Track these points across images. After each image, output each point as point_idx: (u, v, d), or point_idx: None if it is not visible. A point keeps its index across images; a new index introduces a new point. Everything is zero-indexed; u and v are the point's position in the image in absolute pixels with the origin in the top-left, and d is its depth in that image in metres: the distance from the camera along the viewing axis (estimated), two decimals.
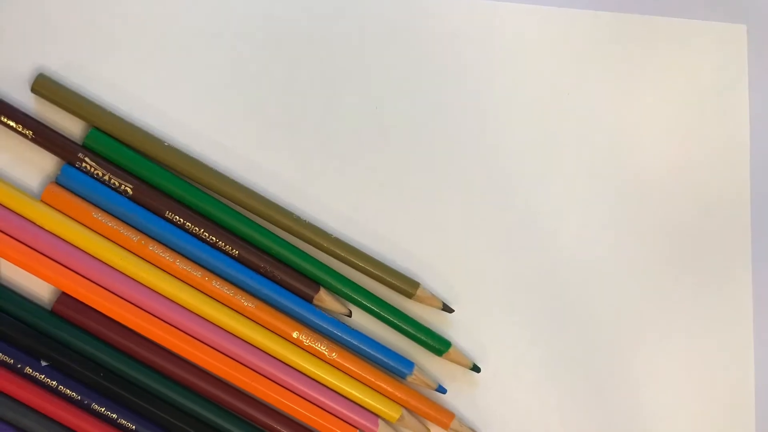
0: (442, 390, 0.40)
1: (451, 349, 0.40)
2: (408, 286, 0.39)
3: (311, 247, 0.39)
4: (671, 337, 0.42)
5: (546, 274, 0.41)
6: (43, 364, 0.37)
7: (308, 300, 0.39)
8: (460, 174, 0.41)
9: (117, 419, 0.38)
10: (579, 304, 0.42)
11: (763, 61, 0.42)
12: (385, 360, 0.39)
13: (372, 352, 0.39)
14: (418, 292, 0.39)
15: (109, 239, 0.38)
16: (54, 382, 0.37)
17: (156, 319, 0.38)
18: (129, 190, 0.38)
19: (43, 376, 0.37)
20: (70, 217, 0.38)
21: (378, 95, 0.40)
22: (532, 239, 0.41)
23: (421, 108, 0.40)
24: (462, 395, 0.41)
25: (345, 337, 0.39)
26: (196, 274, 0.38)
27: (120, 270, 0.38)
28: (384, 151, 0.40)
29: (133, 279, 0.38)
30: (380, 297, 0.40)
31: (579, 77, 0.42)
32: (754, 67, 0.42)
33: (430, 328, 0.40)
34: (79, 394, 0.38)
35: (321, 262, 0.39)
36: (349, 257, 0.39)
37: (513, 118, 0.41)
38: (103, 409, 0.38)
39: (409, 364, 0.40)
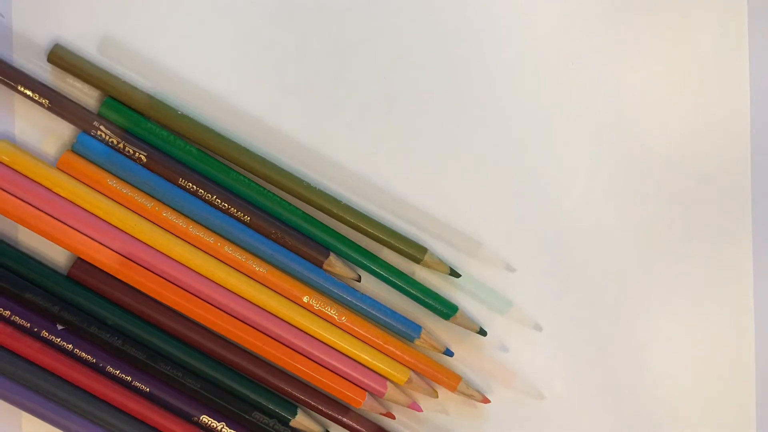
0: (449, 353, 0.41)
1: (458, 313, 0.41)
2: (416, 251, 0.40)
3: (321, 213, 0.40)
4: (674, 301, 0.43)
5: (551, 240, 0.42)
6: (59, 327, 0.38)
7: (318, 265, 0.40)
8: (468, 141, 0.41)
9: (131, 381, 0.39)
10: (584, 269, 0.42)
11: (763, 30, 0.43)
12: (394, 324, 0.40)
13: (381, 316, 0.40)
14: (426, 257, 0.40)
15: (123, 206, 0.39)
16: (70, 346, 0.38)
17: (169, 283, 0.39)
18: (143, 157, 0.39)
19: (59, 340, 0.38)
20: (85, 184, 0.38)
21: (388, 61, 0.41)
22: (538, 205, 0.42)
23: (430, 75, 0.41)
24: (469, 358, 0.42)
25: (354, 302, 0.40)
26: (209, 239, 0.39)
27: (134, 236, 0.38)
28: (392, 119, 0.41)
29: (147, 244, 0.39)
30: (389, 262, 0.40)
31: (582, 47, 0.42)
32: (754, 36, 0.43)
33: (438, 292, 0.41)
34: (94, 357, 0.38)
35: (331, 228, 0.40)
36: (358, 223, 0.40)
37: (518, 87, 0.42)
38: (117, 372, 0.38)
39: (417, 328, 0.40)
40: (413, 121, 0.41)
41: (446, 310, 0.40)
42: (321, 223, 0.40)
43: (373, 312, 0.40)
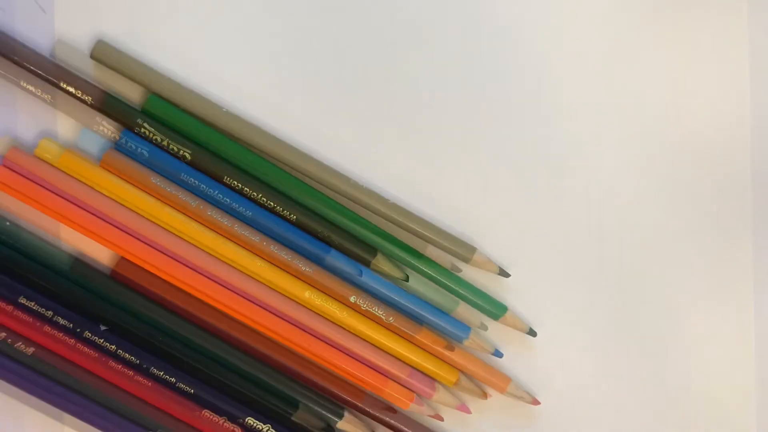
0: (498, 354, 0.40)
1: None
2: (465, 250, 0.40)
3: (368, 211, 0.39)
4: (673, 302, 0.42)
5: (551, 242, 0.41)
6: (102, 328, 0.38)
7: (366, 264, 0.39)
8: (469, 141, 0.41)
9: (176, 383, 0.38)
10: (584, 269, 0.42)
11: (763, 30, 0.42)
12: (442, 324, 0.40)
13: (429, 317, 0.39)
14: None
15: (167, 204, 0.38)
16: (113, 346, 0.38)
17: (213, 283, 0.38)
18: (187, 155, 0.38)
19: (102, 340, 0.38)
20: (129, 182, 0.38)
21: (388, 61, 0.40)
22: (538, 205, 0.41)
23: (429, 75, 0.40)
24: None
25: (402, 302, 0.39)
26: (254, 238, 0.38)
27: (178, 235, 0.38)
28: (393, 118, 0.40)
29: (191, 243, 0.38)
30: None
31: (581, 47, 0.41)
32: (754, 36, 0.42)
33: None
34: (137, 357, 0.38)
35: (378, 227, 0.39)
36: (405, 222, 0.39)
37: (517, 88, 0.41)
38: (161, 373, 0.38)
39: (466, 329, 0.40)
40: (413, 121, 0.40)
41: (496, 310, 0.40)
42: (368, 222, 0.39)
43: (421, 312, 0.39)
